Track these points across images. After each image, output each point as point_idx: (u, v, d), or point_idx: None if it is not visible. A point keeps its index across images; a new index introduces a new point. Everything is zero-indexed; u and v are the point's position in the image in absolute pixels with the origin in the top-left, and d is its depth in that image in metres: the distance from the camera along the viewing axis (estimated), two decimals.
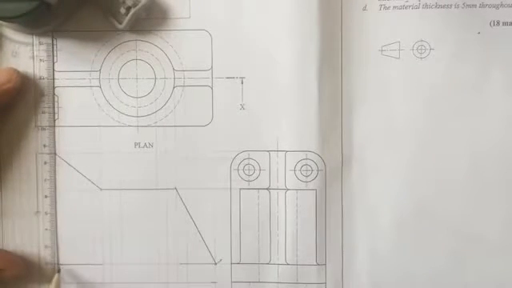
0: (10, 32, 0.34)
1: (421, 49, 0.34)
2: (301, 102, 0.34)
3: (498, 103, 0.34)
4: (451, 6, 0.34)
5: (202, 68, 0.34)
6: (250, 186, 0.34)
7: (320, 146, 0.34)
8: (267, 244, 0.34)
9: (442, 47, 0.34)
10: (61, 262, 0.34)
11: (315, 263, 0.34)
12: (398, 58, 0.34)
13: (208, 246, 0.35)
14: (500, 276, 0.34)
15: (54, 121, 0.34)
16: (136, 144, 0.34)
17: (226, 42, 0.34)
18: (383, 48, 0.34)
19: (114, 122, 0.34)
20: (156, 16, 0.34)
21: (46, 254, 0.34)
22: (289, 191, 0.34)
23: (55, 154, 0.34)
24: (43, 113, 0.34)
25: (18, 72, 0.33)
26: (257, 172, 0.34)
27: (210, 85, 0.34)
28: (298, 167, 0.34)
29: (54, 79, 0.34)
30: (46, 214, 0.34)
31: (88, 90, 0.34)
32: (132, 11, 0.32)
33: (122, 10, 0.32)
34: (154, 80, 0.34)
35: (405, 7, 0.34)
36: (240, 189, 0.34)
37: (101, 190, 0.34)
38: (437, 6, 0.34)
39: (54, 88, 0.34)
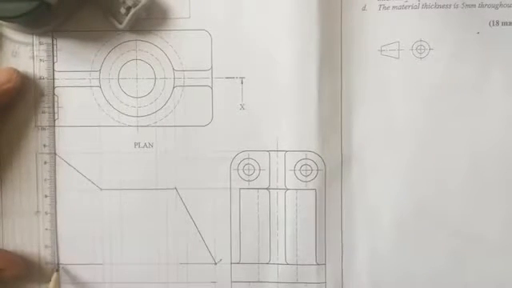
0: (10, 32, 0.34)
1: (420, 49, 0.34)
2: (301, 102, 0.34)
3: (497, 103, 0.34)
4: (450, 6, 0.34)
5: (201, 68, 0.34)
6: (250, 185, 0.34)
7: (320, 146, 0.34)
8: (267, 244, 0.34)
9: (442, 47, 0.34)
10: (61, 262, 0.34)
11: (315, 263, 0.34)
12: (398, 57, 0.34)
13: (208, 245, 0.35)
14: (500, 276, 0.34)
15: (54, 121, 0.34)
16: (136, 144, 0.34)
17: (226, 42, 0.34)
18: (383, 48, 0.34)
19: (114, 122, 0.34)
20: (156, 16, 0.34)
21: (46, 254, 0.34)
22: (288, 191, 0.34)
23: (55, 153, 0.34)
24: (43, 113, 0.34)
25: (18, 72, 0.33)
26: (256, 172, 0.34)
27: (210, 85, 0.34)
28: (297, 167, 0.34)
29: (53, 79, 0.34)
30: (46, 213, 0.34)
31: (88, 90, 0.34)
32: (132, 11, 0.33)
33: (122, 10, 0.33)
34: (153, 80, 0.34)
35: (404, 7, 0.34)
36: (240, 189, 0.34)
37: (101, 189, 0.35)
38: (436, 6, 0.34)
39: (53, 88, 0.34)
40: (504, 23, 0.34)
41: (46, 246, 0.34)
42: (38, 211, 0.34)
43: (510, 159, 0.34)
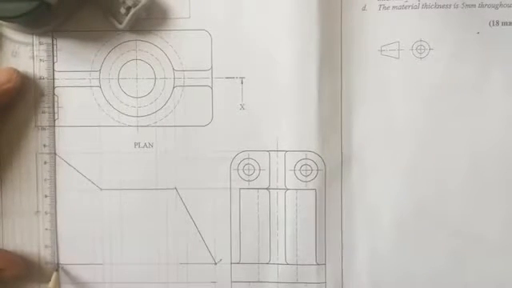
0: (10, 32, 0.34)
1: (420, 49, 0.34)
2: (301, 102, 0.34)
3: (497, 103, 0.34)
4: (450, 6, 0.34)
5: (201, 68, 0.34)
6: (250, 185, 0.34)
7: (320, 146, 0.34)
8: (267, 244, 0.34)
9: (442, 47, 0.34)
10: (61, 262, 0.34)
11: (315, 263, 0.34)
12: (398, 57, 0.34)
13: (208, 245, 0.35)
14: (500, 276, 0.34)
15: (54, 121, 0.34)
16: (136, 144, 0.34)
17: (226, 42, 0.34)
18: (383, 48, 0.34)
19: (114, 122, 0.34)
20: (156, 16, 0.34)
21: (45, 254, 0.34)
22: (288, 191, 0.34)
23: (55, 153, 0.34)
24: (43, 113, 0.34)
25: (18, 72, 0.33)
26: (256, 172, 0.34)
27: (210, 85, 0.34)
28: (297, 167, 0.34)
29: (54, 79, 0.34)
30: (46, 213, 0.34)
31: (88, 90, 0.34)
32: (132, 11, 0.33)
33: (122, 10, 0.33)
34: (153, 80, 0.34)
35: (404, 7, 0.34)
36: (240, 189, 0.34)
37: (101, 189, 0.35)
38: (436, 5, 0.34)
39: (53, 88, 0.34)
40: (504, 23, 0.34)
41: (45, 246, 0.34)
42: (37, 211, 0.34)
43: (510, 159, 0.34)
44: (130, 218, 0.34)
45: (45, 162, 0.34)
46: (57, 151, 0.34)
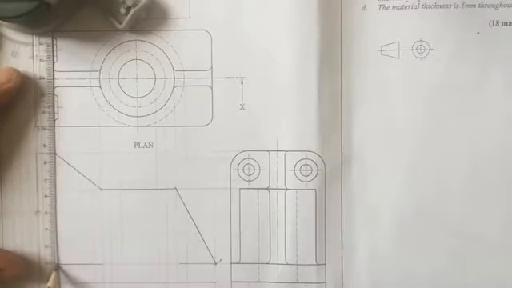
0: (10, 32, 0.34)
1: (420, 49, 0.34)
2: (301, 102, 0.34)
3: (497, 103, 0.34)
4: (450, 6, 0.34)
5: (201, 68, 0.34)
6: (250, 185, 0.34)
7: (320, 146, 0.34)
8: (267, 244, 0.34)
9: (442, 47, 0.34)
10: (61, 262, 0.34)
11: (315, 263, 0.34)
12: (398, 57, 0.34)
13: (208, 245, 0.35)
14: (500, 276, 0.34)
15: (54, 121, 0.34)
16: (136, 144, 0.34)
17: (226, 41, 0.34)
18: (383, 48, 0.34)
19: (114, 122, 0.34)
20: (156, 16, 0.34)
21: (45, 254, 0.34)
22: (288, 191, 0.34)
23: (55, 153, 0.34)
24: (43, 113, 0.34)
25: (18, 72, 0.33)
26: (256, 172, 0.34)
27: (210, 85, 0.34)
28: (297, 167, 0.34)
29: (54, 79, 0.34)
30: (46, 213, 0.34)
31: (88, 90, 0.34)
32: (132, 11, 0.33)
33: (122, 10, 0.33)
34: (153, 80, 0.34)
35: (404, 7, 0.34)
36: (240, 189, 0.34)
37: (101, 189, 0.35)
38: (436, 5, 0.34)
39: (53, 88, 0.34)
40: (504, 23, 0.34)
41: (45, 246, 0.34)
42: (37, 211, 0.34)
43: (510, 159, 0.34)
44: (130, 218, 0.34)
45: (45, 162, 0.34)
46: (57, 151, 0.34)
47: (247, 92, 0.34)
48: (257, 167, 0.34)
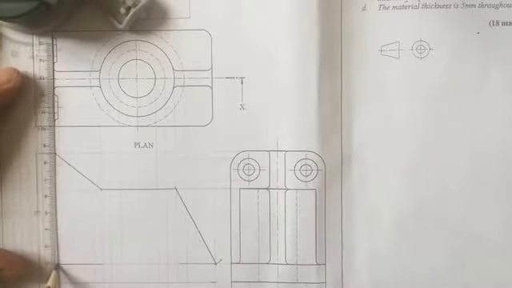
0: (10, 32, 0.34)
1: (420, 49, 0.34)
2: (301, 102, 0.34)
3: (497, 103, 0.34)
4: (450, 6, 0.34)
5: (201, 68, 0.34)
6: (250, 185, 0.34)
7: (320, 146, 0.34)
8: (267, 244, 0.34)
9: (442, 47, 0.34)
10: (61, 262, 0.34)
11: (315, 263, 0.34)
12: (398, 57, 0.34)
13: (208, 245, 0.35)
14: (500, 276, 0.34)
15: (54, 121, 0.34)
16: (136, 144, 0.34)
17: (226, 41, 0.34)
18: (383, 48, 0.34)
19: (114, 122, 0.34)
20: (156, 16, 0.34)
21: (45, 254, 0.34)
22: (288, 191, 0.34)
23: (55, 153, 0.34)
24: (43, 113, 0.34)
25: (18, 72, 0.33)
26: (256, 172, 0.34)
27: (210, 85, 0.34)
28: (297, 167, 0.34)
29: (54, 79, 0.34)
30: (46, 213, 0.34)
31: (88, 90, 0.34)
32: (132, 11, 0.33)
33: (122, 10, 0.33)
34: (153, 80, 0.34)
35: (404, 7, 0.34)
36: (240, 189, 0.34)
37: (101, 189, 0.35)
38: (436, 5, 0.34)
39: (53, 88, 0.34)
40: (504, 23, 0.34)
41: (45, 246, 0.34)
42: (37, 211, 0.34)
43: (510, 159, 0.34)
44: (130, 218, 0.34)
45: (45, 162, 0.34)
46: (57, 151, 0.34)
47: (247, 92, 0.34)
48: (257, 167, 0.34)
